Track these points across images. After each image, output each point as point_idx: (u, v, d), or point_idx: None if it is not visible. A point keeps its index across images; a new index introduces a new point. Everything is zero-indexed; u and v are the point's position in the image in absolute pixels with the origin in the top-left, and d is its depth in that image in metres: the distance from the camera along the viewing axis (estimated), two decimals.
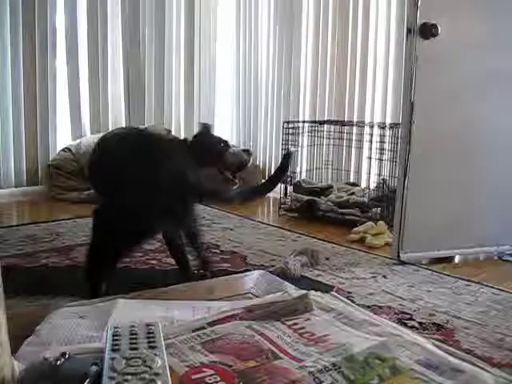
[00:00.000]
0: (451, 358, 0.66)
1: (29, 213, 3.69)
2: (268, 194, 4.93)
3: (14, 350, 0.70)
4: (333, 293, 0.88)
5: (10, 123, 4.63)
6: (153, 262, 2.95)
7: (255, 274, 1.04)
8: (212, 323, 0.76)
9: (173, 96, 5.59)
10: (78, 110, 4.98)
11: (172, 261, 2.95)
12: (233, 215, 4.11)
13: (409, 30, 2.92)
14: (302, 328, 0.74)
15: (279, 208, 4.27)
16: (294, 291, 0.89)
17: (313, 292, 0.88)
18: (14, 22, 4.56)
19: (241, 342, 0.70)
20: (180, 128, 5.66)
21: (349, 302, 0.85)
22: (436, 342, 0.73)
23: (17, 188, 4.58)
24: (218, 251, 3.18)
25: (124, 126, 4.96)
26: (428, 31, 2.88)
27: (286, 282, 0.99)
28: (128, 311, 0.82)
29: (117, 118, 5.18)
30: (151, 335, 0.67)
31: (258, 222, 3.97)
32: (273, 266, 2.88)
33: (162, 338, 0.67)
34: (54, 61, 4.83)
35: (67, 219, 3.85)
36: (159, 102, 5.48)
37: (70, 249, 3.16)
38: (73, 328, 0.77)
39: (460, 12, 2.95)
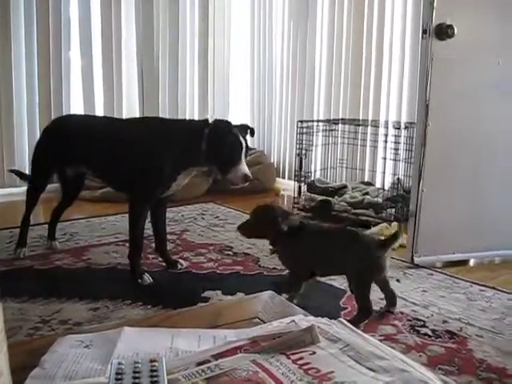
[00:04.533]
0: None
1: (43, 212, 3.69)
2: (282, 193, 4.95)
3: (19, 383, 0.70)
4: (341, 319, 0.87)
5: (25, 117, 4.66)
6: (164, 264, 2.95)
7: (264, 295, 1.03)
8: (217, 356, 0.76)
9: (187, 90, 5.57)
10: (93, 102, 4.97)
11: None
12: (247, 215, 4.08)
13: (424, 31, 2.89)
14: (307, 363, 0.72)
15: (293, 208, 4.25)
16: (301, 317, 0.88)
17: (320, 319, 0.86)
18: (28, 15, 4.58)
19: (245, 379, 0.69)
20: None
21: (357, 330, 0.84)
22: (444, 378, 0.72)
23: None
24: (230, 253, 3.18)
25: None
26: (444, 32, 2.85)
27: (295, 306, 0.98)
28: (133, 341, 0.82)
29: (131, 110, 5.17)
30: (155, 373, 0.66)
31: None
32: (285, 269, 2.87)
33: (166, 376, 0.67)
34: (69, 53, 4.85)
35: (81, 219, 3.86)
36: (173, 95, 5.46)
37: (84, 249, 3.17)
38: (77, 359, 0.77)
39: (476, 13, 2.92)
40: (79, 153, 2.92)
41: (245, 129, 2.79)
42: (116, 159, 2.80)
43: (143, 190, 2.73)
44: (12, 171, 3.37)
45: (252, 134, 2.85)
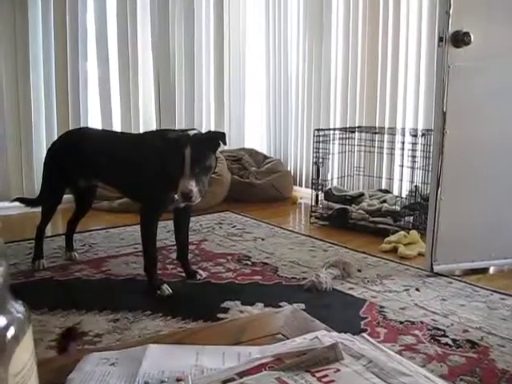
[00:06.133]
0: None
1: (62, 222, 3.72)
2: (299, 201, 4.95)
3: None
4: (364, 335, 0.87)
5: (43, 128, 4.70)
6: (184, 274, 2.96)
7: (286, 310, 1.04)
8: (241, 373, 0.76)
9: (203, 100, 5.59)
10: (110, 113, 5.01)
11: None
12: (264, 224, 4.10)
13: (440, 39, 2.88)
14: (332, 381, 0.73)
15: (310, 216, 4.25)
16: (324, 333, 0.88)
17: (343, 335, 0.87)
18: (46, 27, 4.63)
19: None
20: None
21: (380, 346, 0.84)
22: None
23: None
24: (249, 263, 3.18)
25: (155, 128, 4.98)
26: (460, 40, 2.83)
27: (317, 321, 0.98)
28: (158, 358, 0.83)
29: (147, 121, 5.21)
30: None
31: (290, 230, 3.95)
32: (304, 278, 2.87)
33: None
34: (86, 64, 4.89)
35: (100, 229, 3.89)
36: (189, 106, 5.49)
37: (103, 260, 3.19)
38: (104, 378, 0.78)
39: (492, 20, 2.90)
40: (89, 166, 2.97)
41: (213, 138, 2.53)
42: (121, 173, 2.86)
43: (148, 203, 2.75)
44: (16, 199, 3.31)
45: (224, 143, 2.50)
